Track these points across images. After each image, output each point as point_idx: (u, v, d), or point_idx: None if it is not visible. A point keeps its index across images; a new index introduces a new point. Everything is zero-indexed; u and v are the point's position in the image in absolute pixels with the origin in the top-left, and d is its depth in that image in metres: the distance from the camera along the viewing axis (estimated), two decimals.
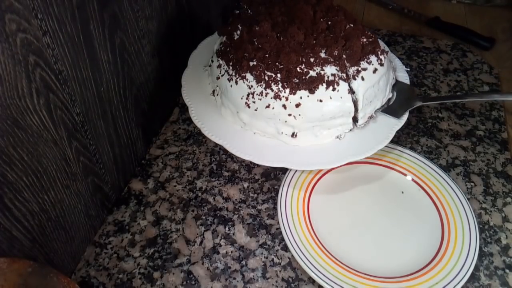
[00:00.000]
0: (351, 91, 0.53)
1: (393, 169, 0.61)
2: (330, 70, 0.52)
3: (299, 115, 0.52)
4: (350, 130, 0.56)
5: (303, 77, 0.51)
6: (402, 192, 0.59)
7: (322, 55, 0.53)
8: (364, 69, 0.54)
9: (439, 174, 0.59)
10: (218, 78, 0.57)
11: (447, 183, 0.58)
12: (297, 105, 0.52)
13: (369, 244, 0.54)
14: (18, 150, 0.39)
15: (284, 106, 0.52)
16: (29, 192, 0.42)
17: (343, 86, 0.52)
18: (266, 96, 0.52)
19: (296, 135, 0.54)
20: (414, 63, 0.81)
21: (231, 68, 0.55)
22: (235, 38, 0.57)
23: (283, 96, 0.51)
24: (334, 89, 0.52)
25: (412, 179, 0.60)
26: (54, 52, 0.41)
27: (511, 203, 0.59)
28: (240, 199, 0.60)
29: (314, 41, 0.54)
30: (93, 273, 0.52)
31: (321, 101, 0.52)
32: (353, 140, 0.56)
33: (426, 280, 0.49)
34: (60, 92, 0.43)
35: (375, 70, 0.55)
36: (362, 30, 0.57)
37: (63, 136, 0.45)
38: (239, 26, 0.58)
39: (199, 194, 0.60)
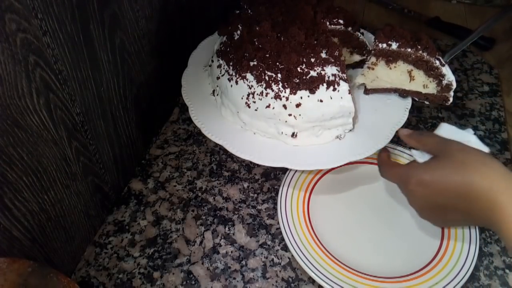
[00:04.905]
0: (442, 76, 0.54)
1: None
2: (330, 71, 0.52)
3: (300, 115, 0.52)
4: (350, 130, 0.56)
5: (304, 77, 0.51)
6: None
7: (323, 55, 0.53)
8: (439, 54, 0.55)
9: None
10: (218, 78, 0.57)
11: None
12: (298, 105, 0.52)
13: (369, 244, 0.54)
14: (18, 150, 0.39)
15: (285, 106, 0.52)
16: (29, 192, 0.42)
17: (343, 86, 0.52)
18: (266, 96, 0.52)
19: (296, 135, 0.54)
20: None
21: (231, 68, 0.55)
22: (235, 38, 0.57)
23: (284, 96, 0.51)
24: (334, 89, 0.52)
25: None
26: (54, 52, 0.41)
27: None
28: (240, 199, 0.60)
29: (315, 41, 0.54)
30: (93, 273, 0.52)
31: (321, 101, 0.52)
32: (353, 140, 0.56)
33: (426, 280, 0.49)
34: (60, 92, 0.43)
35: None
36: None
37: (63, 136, 0.45)
38: (239, 26, 0.58)
39: (199, 194, 0.60)
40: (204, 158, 0.65)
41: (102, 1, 0.47)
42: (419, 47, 0.54)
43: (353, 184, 0.60)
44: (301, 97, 0.51)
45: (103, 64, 0.50)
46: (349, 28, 0.59)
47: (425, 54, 0.54)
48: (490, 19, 0.63)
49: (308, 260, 0.50)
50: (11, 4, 0.35)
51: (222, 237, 0.56)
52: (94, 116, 0.50)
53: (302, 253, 0.51)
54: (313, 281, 0.51)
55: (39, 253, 0.45)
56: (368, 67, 0.58)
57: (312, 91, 0.51)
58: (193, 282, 0.51)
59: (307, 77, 0.51)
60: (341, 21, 0.59)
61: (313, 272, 0.49)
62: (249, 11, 0.61)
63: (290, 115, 0.52)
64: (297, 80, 0.51)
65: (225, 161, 0.64)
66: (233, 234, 0.56)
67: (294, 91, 0.51)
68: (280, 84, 0.52)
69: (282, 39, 0.54)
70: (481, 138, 0.67)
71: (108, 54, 0.50)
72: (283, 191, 0.57)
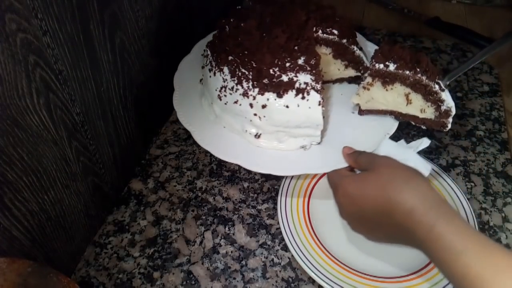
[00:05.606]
0: (441, 101, 0.53)
1: None
2: (304, 78, 0.51)
3: (264, 116, 0.52)
4: (318, 143, 0.55)
5: (273, 80, 0.51)
6: None
7: (300, 61, 0.52)
8: (439, 78, 0.53)
9: (439, 174, 0.59)
10: (203, 67, 0.59)
11: (447, 183, 0.58)
12: (263, 106, 0.52)
13: (369, 244, 0.53)
14: (18, 150, 0.39)
15: (251, 105, 0.52)
16: (29, 192, 0.42)
17: (314, 96, 0.51)
18: (236, 91, 0.52)
19: (259, 136, 0.54)
20: None
21: (213, 59, 0.56)
22: (225, 32, 0.58)
23: (251, 95, 0.52)
24: (303, 98, 0.51)
25: None
26: (54, 52, 0.41)
27: (511, 203, 0.59)
28: (240, 199, 0.60)
29: (296, 47, 0.53)
30: (93, 273, 0.52)
31: (287, 106, 0.51)
32: (316, 154, 0.55)
33: (426, 280, 0.49)
34: (60, 92, 0.43)
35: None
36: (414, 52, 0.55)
37: (63, 136, 0.45)
38: (231, 20, 0.58)
39: (199, 194, 0.60)
40: (204, 158, 0.65)
41: (102, 1, 0.47)
42: (418, 69, 0.52)
43: None
44: (268, 99, 0.51)
45: (103, 64, 0.50)
46: (344, 40, 0.58)
47: (424, 77, 0.52)
48: (494, 43, 0.60)
49: (308, 260, 0.50)
50: (11, 4, 0.35)
51: (222, 237, 0.56)
52: (94, 116, 0.50)
53: (302, 253, 0.51)
54: (313, 281, 0.51)
55: (39, 253, 0.45)
56: (364, 87, 0.56)
57: (280, 95, 0.51)
58: (193, 282, 0.51)
59: (277, 80, 0.51)
60: (335, 31, 0.58)
61: (313, 272, 0.49)
62: (249, 8, 0.62)
63: (255, 114, 0.52)
64: (267, 81, 0.51)
65: (225, 161, 0.64)
66: (233, 234, 0.56)
67: (262, 92, 0.51)
68: (250, 83, 0.52)
69: (265, 39, 0.54)
70: (481, 138, 0.68)
71: (108, 54, 0.50)
72: (283, 192, 0.57)
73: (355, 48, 0.59)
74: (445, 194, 0.57)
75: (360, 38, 0.69)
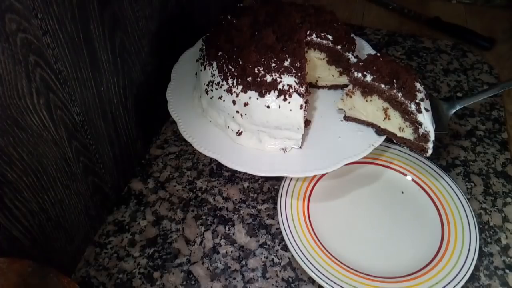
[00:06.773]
0: (418, 123, 0.51)
1: (390, 168, 0.61)
2: (288, 80, 0.51)
3: (245, 114, 0.53)
4: (299, 147, 0.55)
5: (257, 79, 0.51)
6: (402, 192, 0.59)
7: (286, 63, 0.52)
8: (422, 100, 0.51)
9: (439, 174, 0.59)
10: (197, 60, 0.60)
11: (447, 183, 0.58)
12: (245, 104, 0.52)
13: (369, 244, 0.54)
14: (18, 150, 0.39)
15: (234, 102, 0.53)
16: (29, 192, 0.42)
17: (296, 99, 0.51)
18: (221, 87, 0.53)
19: (240, 134, 0.55)
20: (414, 63, 0.81)
21: (205, 53, 0.56)
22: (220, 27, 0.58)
23: (235, 92, 0.52)
24: (285, 100, 0.51)
25: (412, 179, 0.60)
26: (54, 52, 0.41)
27: (511, 203, 0.59)
28: (240, 199, 0.60)
29: (284, 48, 0.53)
30: (93, 273, 0.52)
31: (268, 107, 0.51)
32: (295, 157, 0.55)
33: (426, 280, 0.49)
34: (60, 92, 0.43)
35: (426, 96, 0.52)
36: (398, 63, 0.55)
37: (63, 136, 0.45)
38: (229, 16, 0.59)
39: (199, 194, 0.60)
40: (204, 158, 0.65)
41: (102, 1, 0.47)
42: (395, 85, 0.51)
43: (352, 184, 0.60)
44: (250, 98, 0.52)
45: (103, 64, 0.50)
46: (338, 47, 0.58)
47: (399, 94, 0.51)
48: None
49: (308, 260, 0.50)
50: (11, 4, 0.35)
51: (222, 237, 0.56)
52: (94, 116, 0.50)
53: (302, 253, 0.51)
54: (313, 281, 0.51)
55: (39, 253, 0.45)
56: (347, 94, 0.56)
57: (261, 94, 0.51)
58: (193, 282, 0.51)
59: (260, 80, 0.51)
60: (329, 37, 0.58)
61: (313, 272, 0.49)
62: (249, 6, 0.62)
63: (237, 112, 0.53)
64: (250, 80, 0.51)
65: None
66: (233, 234, 0.56)
67: (245, 90, 0.52)
68: (235, 80, 0.52)
69: (254, 37, 0.54)
70: (481, 138, 0.67)
71: (108, 54, 0.50)
72: (283, 192, 0.57)
73: (350, 55, 0.59)
74: (445, 194, 0.57)
75: (364, 45, 0.68)
